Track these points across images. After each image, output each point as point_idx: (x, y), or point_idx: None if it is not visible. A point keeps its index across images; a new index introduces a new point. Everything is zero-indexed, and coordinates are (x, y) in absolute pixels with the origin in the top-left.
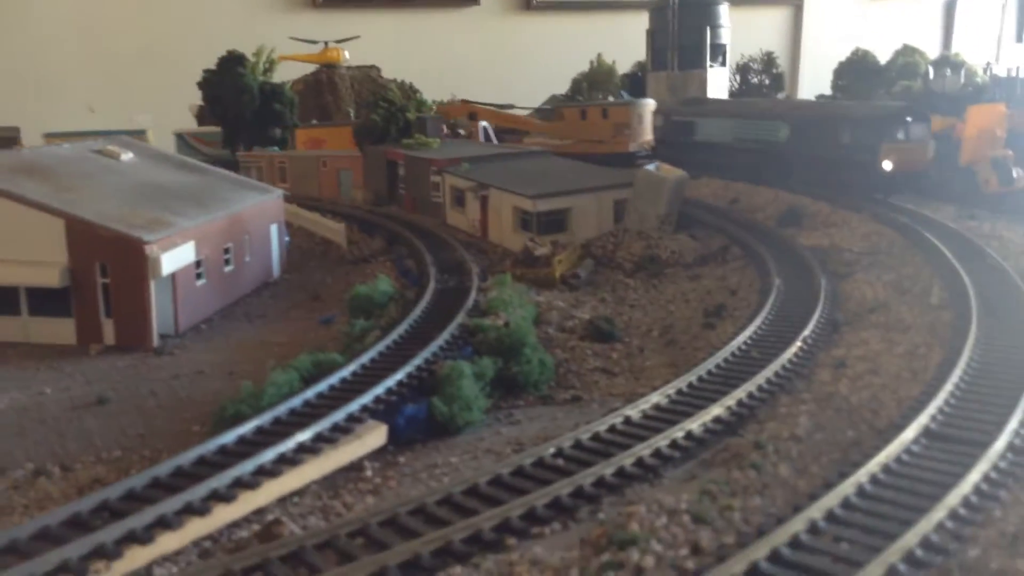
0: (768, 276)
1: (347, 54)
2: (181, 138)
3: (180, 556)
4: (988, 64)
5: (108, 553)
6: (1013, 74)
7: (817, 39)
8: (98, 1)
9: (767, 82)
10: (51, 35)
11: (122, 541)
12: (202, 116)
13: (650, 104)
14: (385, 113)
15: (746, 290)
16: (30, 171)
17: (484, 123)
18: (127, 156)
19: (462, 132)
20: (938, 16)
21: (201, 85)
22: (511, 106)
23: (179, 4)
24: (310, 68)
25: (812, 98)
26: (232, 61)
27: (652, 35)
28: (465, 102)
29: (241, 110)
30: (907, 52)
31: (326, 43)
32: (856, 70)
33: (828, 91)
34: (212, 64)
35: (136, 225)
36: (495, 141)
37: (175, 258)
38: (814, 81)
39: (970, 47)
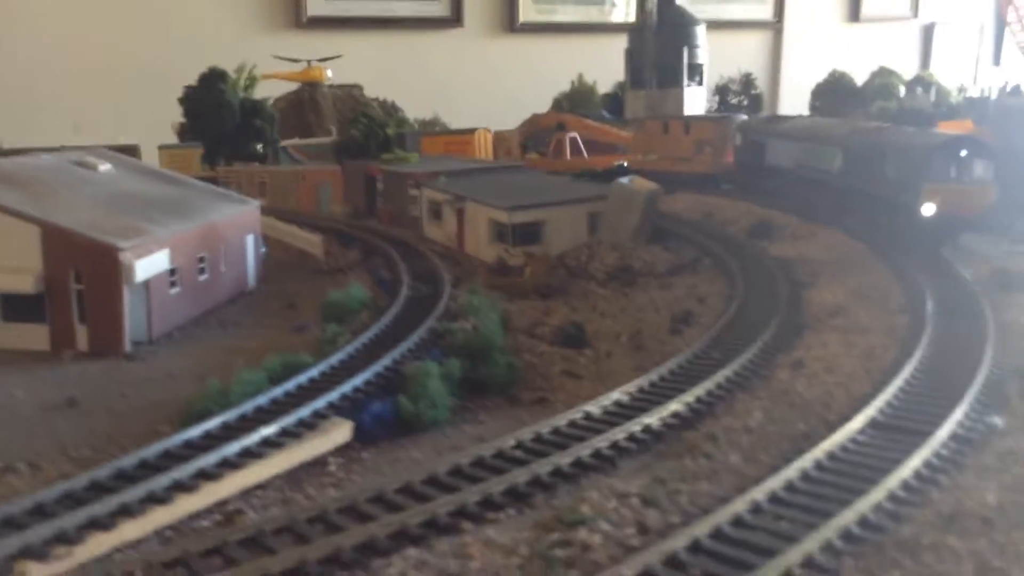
0: (735, 284)
1: (330, 73)
2: (284, 150)
3: (142, 543)
4: (962, 85)
5: (70, 538)
6: (985, 94)
7: (796, 61)
8: (83, 20)
9: (745, 103)
10: (34, 52)
11: (84, 528)
12: (183, 132)
13: (740, 120)
14: (365, 129)
15: (715, 298)
16: (8, 180)
17: (573, 133)
18: (105, 167)
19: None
20: (916, 39)
21: (182, 101)
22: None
23: (165, 24)
24: (293, 86)
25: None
26: (213, 77)
27: (631, 54)
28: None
29: (222, 126)
30: (883, 74)
31: (309, 62)
32: (833, 90)
33: (806, 111)
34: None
35: (110, 232)
36: (584, 154)
37: (149, 265)
38: (793, 102)
39: (949, 70)
